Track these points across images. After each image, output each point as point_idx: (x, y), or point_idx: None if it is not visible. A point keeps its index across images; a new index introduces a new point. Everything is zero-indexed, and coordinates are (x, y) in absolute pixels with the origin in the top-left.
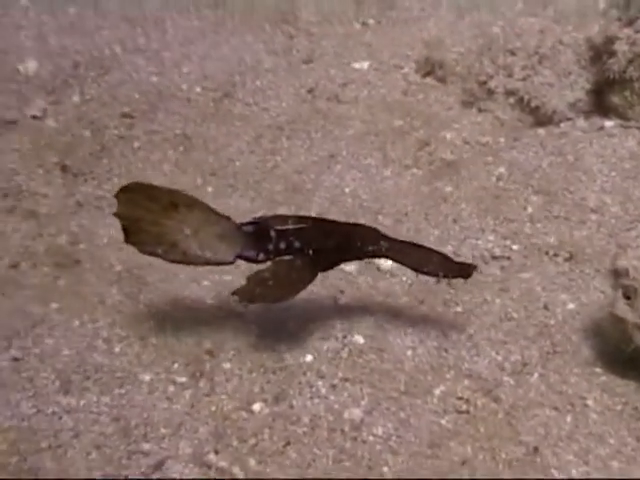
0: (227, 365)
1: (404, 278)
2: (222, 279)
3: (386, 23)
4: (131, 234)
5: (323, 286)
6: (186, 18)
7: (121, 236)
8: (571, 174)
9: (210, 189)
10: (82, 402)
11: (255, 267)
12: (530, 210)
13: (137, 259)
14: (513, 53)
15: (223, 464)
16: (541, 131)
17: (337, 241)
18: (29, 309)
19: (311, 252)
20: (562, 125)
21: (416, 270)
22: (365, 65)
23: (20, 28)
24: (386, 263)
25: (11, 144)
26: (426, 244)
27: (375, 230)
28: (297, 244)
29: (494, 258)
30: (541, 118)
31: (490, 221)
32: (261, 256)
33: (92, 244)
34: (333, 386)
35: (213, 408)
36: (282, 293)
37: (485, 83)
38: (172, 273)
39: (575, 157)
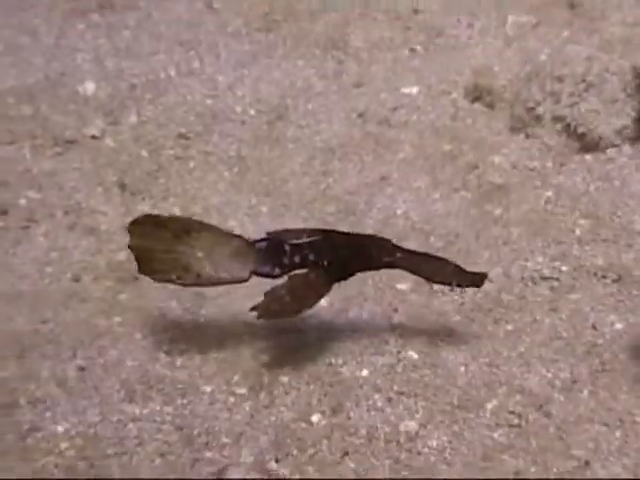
0: (285, 378)
1: (456, 297)
2: None
3: (434, 50)
4: (143, 264)
5: (377, 304)
6: (239, 42)
7: None
8: (618, 199)
9: (264, 209)
10: (146, 411)
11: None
12: (578, 233)
13: None
14: (560, 80)
15: (284, 472)
16: (588, 157)
17: (351, 252)
18: (93, 321)
19: (325, 264)
20: (608, 151)
21: (429, 280)
22: (414, 90)
23: (77, 51)
24: None
25: (71, 163)
26: (477, 265)
27: (388, 241)
28: (312, 257)
29: (543, 279)
30: (588, 144)
31: (539, 243)
32: (277, 271)
33: None
34: (389, 399)
35: (273, 419)
36: (299, 306)
37: (533, 109)
38: (231, 289)
39: (622, 182)
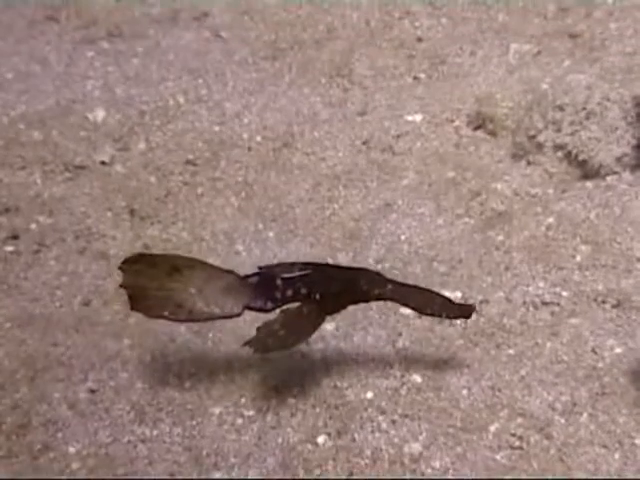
0: (292, 400)
1: (459, 322)
2: None
3: (437, 78)
4: (136, 302)
5: (382, 328)
6: (245, 70)
7: None
8: (618, 225)
9: (271, 234)
10: (156, 432)
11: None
12: (579, 259)
13: None
14: (561, 109)
15: None
16: (588, 184)
17: (343, 285)
18: (103, 344)
19: (318, 297)
20: (608, 178)
21: (419, 312)
22: (418, 118)
23: (87, 78)
24: None
25: (82, 188)
26: (480, 290)
27: (379, 274)
28: (304, 290)
29: (544, 304)
30: (588, 171)
31: (540, 269)
32: (269, 305)
33: None
34: (393, 421)
35: (280, 440)
36: (294, 340)
37: (534, 137)
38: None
39: (621, 209)
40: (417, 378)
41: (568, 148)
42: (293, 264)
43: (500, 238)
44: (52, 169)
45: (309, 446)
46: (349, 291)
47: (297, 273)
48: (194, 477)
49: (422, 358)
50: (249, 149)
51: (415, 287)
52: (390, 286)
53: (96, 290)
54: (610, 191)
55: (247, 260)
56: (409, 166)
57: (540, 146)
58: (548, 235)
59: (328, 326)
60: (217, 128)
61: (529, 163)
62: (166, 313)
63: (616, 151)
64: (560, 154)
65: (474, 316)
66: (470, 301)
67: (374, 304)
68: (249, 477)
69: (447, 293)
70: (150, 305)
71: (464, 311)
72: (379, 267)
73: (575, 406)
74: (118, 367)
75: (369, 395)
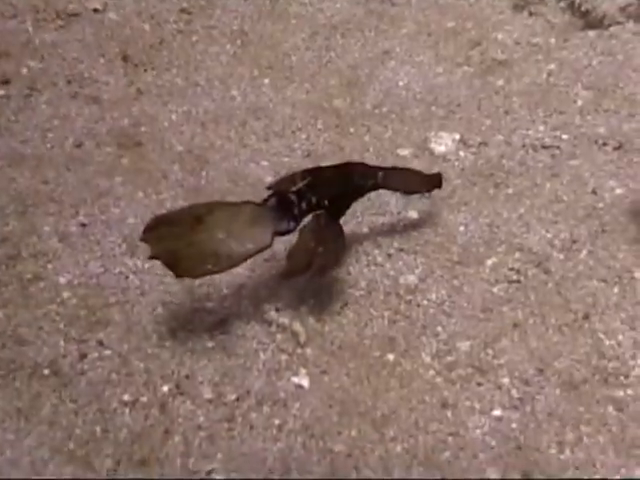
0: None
1: (457, 163)
2: (280, 160)
3: None
4: (175, 268)
5: None
6: None
7: (182, 119)
8: (621, 72)
9: (266, 81)
10: (147, 265)
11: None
12: (580, 103)
13: (198, 141)
14: None
15: (283, 321)
16: (591, 33)
17: (341, 184)
18: (94, 182)
19: (326, 203)
20: (612, 28)
21: (405, 192)
22: None
23: None
24: (439, 148)
25: (74, 35)
26: (479, 133)
27: (365, 164)
28: (314, 199)
29: (544, 147)
30: (591, 22)
31: (540, 113)
32: (292, 225)
33: (153, 127)
34: (389, 255)
35: (273, 272)
36: (335, 255)
37: None
38: (232, 153)
39: (625, 57)
40: (414, 214)
41: None
42: (292, 176)
43: (500, 83)
44: (44, 17)
45: (302, 277)
46: (348, 189)
47: (301, 183)
48: (186, 306)
49: (419, 197)
50: None
51: (396, 169)
52: (380, 173)
53: (88, 133)
54: (613, 39)
55: (242, 105)
56: (408, 16)
57: None
58: (549, 81)
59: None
60: None
61: (531, 14)
62: (208, 267)
63: (620, 1)
64: (563, 4)
65: (472, 157)
66: (469, 143)
67: (371, 146)
68: (241, 307)
69: (445, 135)
70: (189, 266)
71: (435, 181)
72: (377, 112)
73: (574, 243)
74: (110, 203)
75: (364, 230)
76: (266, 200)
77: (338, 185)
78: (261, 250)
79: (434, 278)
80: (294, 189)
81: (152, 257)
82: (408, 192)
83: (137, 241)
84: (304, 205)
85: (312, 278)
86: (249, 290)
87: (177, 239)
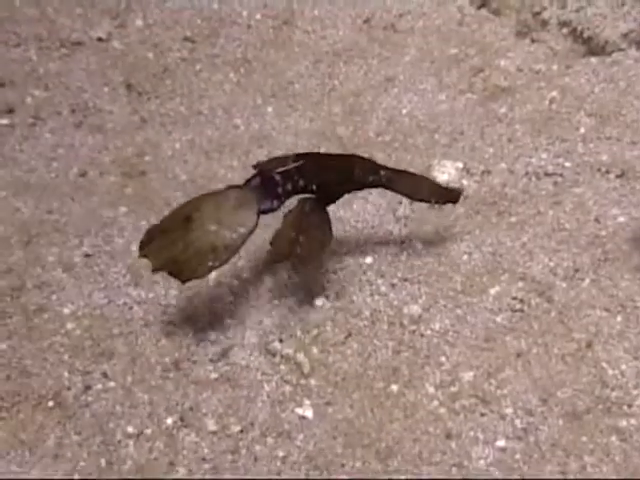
0: (288, 265)
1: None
2: None
3: None
4: (180, 273)
5: (382, 197)
6: None
7: (186, 148)
8: (623, 98)
9: (270, 109)
10: (151, 295)
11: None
12: (582, 131)
13: (202, 170)
14: None
15: (287, 352)
16: (593, 60)
17: (337, 174)
18: (99, 212)
19: (314, 188)
20: (614, 55)
21: (410, 197)
22: None
23: None
24: (442, 176)
25: (78, 64)
26: (482, 161)
27: (371, 160)
28: (301, 182)
29: (547, 174)
30: (594, 48)
31: (543, 140)
32: (275, 204)
33: (157, 156)
34: (392, 285)
35: (276, 302)
36: (320, 243)
37: (539, 14)
38: (236, 183)
39: (627, 83)
40: (417, 244)
41: (573, 25)
42: (287, 157)
43: (503, 111)
44: (48, 45)
45: (307, 308)
46: (343, 179)
47: (292, 165)
48: (190, 336)
49: (422, 226)
50: (248, 27)
51: (406, 172)
52: (383, 172)
53: (92, 162)
54: (616, 66)
55: (245, 134)
56: (411, 43)
57: (545, 23)
58: (552, 108)
59: None
60: (216, 5)
61: (533, 40)
62: (211, 263)
63: (622, 27)
64: (565, 31)
65: (475, 186)
66: (472, 171)
67: None
68: (245, 338)
69: (449, 163)
70: (192, 268)
71: (452, 196)
72: (379, 140)
73: (577, 271)
74: (114, 233)
75: (368, 260)
76: (249, 180)
77: (334, 173)
78: (252, 231)
79: (438, 308)
80: (281, 170)
81: (155, 270)
82: (415, 199)
83: (141, 271)
84: (289, 186)
85: (294, 267)
86: (252, 320)
87: (173, 245)
